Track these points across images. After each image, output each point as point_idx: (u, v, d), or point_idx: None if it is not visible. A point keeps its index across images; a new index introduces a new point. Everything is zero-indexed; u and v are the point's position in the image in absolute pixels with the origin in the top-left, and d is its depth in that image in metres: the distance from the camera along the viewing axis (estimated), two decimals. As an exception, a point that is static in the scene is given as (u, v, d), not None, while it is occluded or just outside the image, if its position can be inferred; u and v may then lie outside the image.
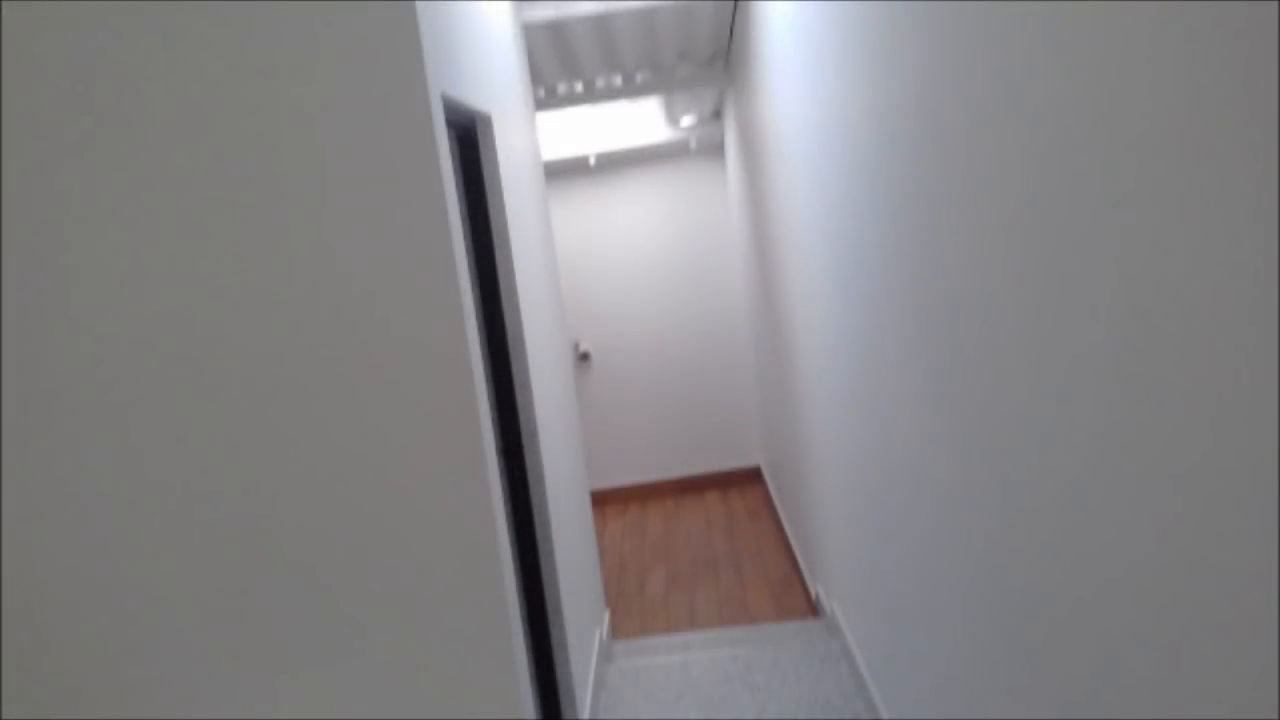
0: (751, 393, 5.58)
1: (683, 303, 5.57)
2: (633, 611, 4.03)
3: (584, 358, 5.61)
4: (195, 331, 1.44)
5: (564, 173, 5.49)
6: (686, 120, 5.13)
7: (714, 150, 5.51)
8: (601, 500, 5.70)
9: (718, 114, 5.19)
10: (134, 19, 1.37)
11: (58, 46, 1.38)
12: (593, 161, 5.27)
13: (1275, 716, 0.59)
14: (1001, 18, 0.99)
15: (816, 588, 3.55)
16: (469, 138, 2.07)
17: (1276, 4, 0.52)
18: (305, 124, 1.40)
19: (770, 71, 2.84)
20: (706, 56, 4.13)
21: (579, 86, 4.21)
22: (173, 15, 1.38)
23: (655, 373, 5.62)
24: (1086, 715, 1.01)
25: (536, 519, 2.29)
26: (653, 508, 5.51)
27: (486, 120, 2.08)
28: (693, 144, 5.28)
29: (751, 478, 5.65)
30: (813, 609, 3.66)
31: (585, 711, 2.52)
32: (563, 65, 3.88)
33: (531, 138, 3.00)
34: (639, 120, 5.16)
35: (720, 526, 5.05)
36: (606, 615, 3.37)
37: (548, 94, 4.23)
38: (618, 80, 4.18)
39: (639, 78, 4.18)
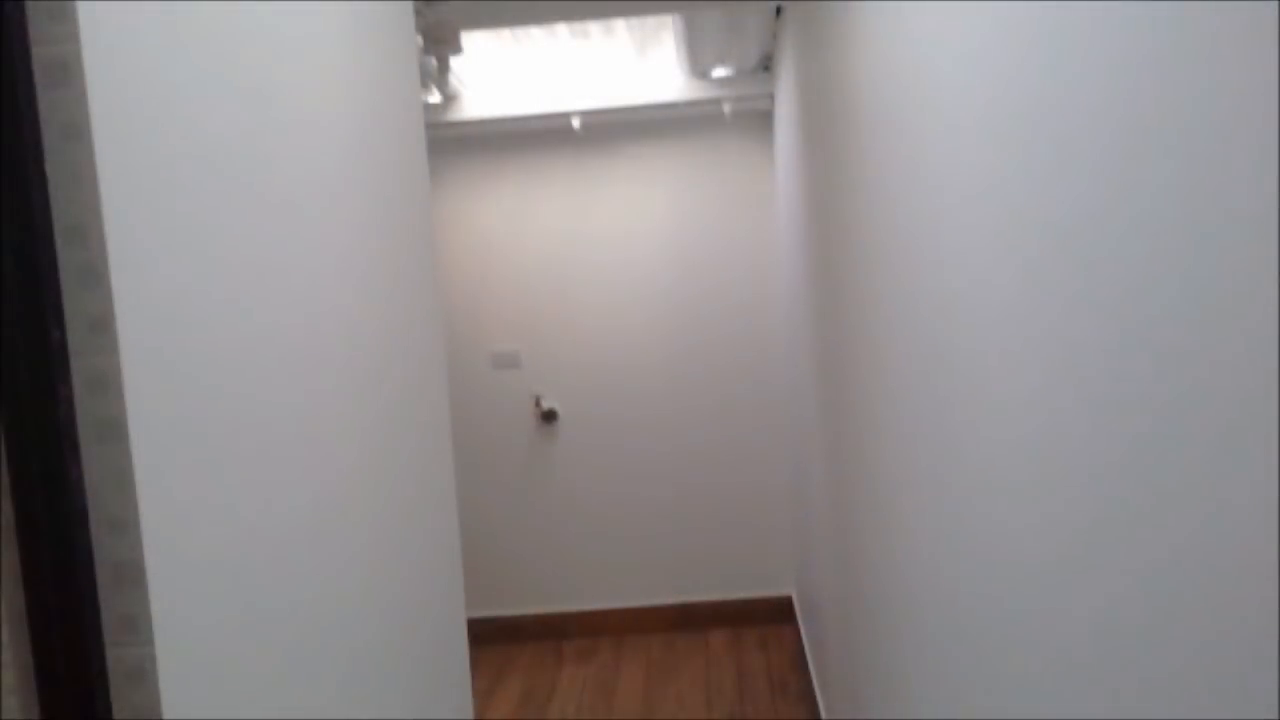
0: (785, 488, 4.23)
1: (695, 346, 4.30)
2: None
3: (549, 417, 4.24)
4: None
5: (532, 139, 4.18)
6: (720, 71, 3.82)
7: (759, 120, 4.16)
8: (559, 632, 4.34)
9: (767, 64, 3.86)
10: None
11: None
12: (577, 124, 3.92)
13: (1275, 717, 0.60)
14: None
15: None
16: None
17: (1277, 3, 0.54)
18: None
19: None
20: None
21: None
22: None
23: (648, 446, 4.34)
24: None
25: None
26: (630, 653, 4.17)
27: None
28: (727, 109, 3.96)
29: (777, 613, 4.31)
30: None
31: None
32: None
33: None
34: (647, 67, 3.86)
35: (728, 695, 3.67)
36: None
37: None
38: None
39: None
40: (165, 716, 0.85)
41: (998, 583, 1.15)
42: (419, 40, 2.61)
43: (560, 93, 3.87)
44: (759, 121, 4.15)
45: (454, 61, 3.16)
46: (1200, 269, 0.64)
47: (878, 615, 2.16)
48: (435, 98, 3.72)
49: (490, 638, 4.11)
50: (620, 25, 3.38)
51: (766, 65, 3.85)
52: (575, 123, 3.94)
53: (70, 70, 0.81)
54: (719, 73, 3.82)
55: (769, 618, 4.29)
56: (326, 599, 1.28)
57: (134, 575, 0.85)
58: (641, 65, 3.83)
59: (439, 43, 2.73)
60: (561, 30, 3.35)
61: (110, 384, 0.83)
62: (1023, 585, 1.05)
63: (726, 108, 3.95)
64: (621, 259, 4.23)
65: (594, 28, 3.38)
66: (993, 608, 1.18)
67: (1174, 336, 0.70)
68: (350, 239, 1.46)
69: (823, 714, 3.38)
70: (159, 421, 0.89)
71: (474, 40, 3.31)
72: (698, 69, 3.77)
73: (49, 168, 0.81)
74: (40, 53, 0.80)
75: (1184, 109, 0.64)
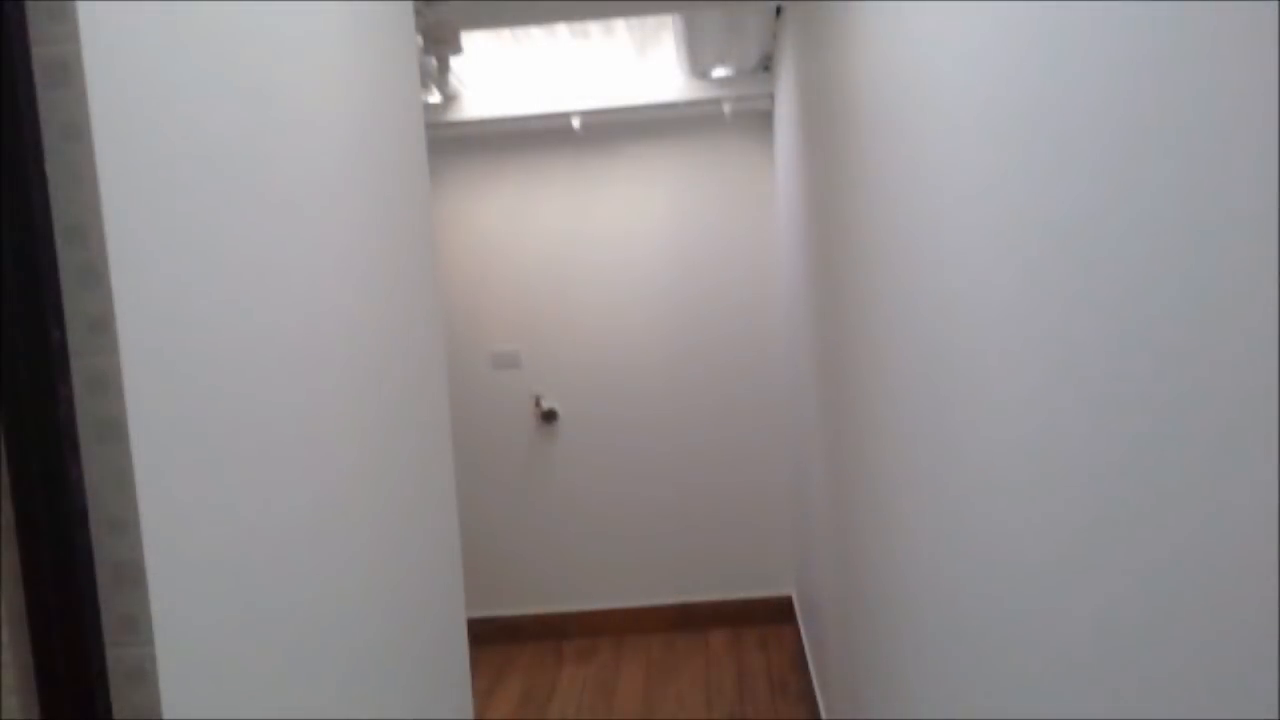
0: (785, 488, 4.18)
1: (695, 346, 4.25)
2: None
3: (549, 417, 4.20)
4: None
5: (532, 139, 4.12)
6: (720, 71, 3.78)
7: (759, 120, 4.12)
8: (559, 632, 4.29)
9: (767, 64, 3.82)
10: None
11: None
12: (577, 124, 3.87)
13: (1275, 717, 0.60)
14: None
15: None
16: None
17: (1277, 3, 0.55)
18: None
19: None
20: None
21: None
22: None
23: (648, 446, 4.31)
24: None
25: None
26: (630, 653, 4.12)
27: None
28: (727, 109, 3.88)
29: (777, 613, 4.25)
30: None
31: None
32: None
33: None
34: (647, 67, 3.82)
35: (728, 695, 3.63)
36: None
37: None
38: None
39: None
40: (165, 716, 0.84)
41: (998, 583, 1.13)
42: (419, 40, 2.59)
43: (560, 93, 3.82)
44: (759, 121, 4.12)
45: (454, 61, 3.13)
46: (1200, 269, 0.63)
47: (878, 615, 2.13)
48: (435, 98, 3.70)
49: (490, 638, 4.09)
50: (620, 25, 3.35)
51: (766, 65, 3.80)
52: (575, 123, 3.90)
53: (70, 70, 0.80)
54: (719, 73, 3.78)
55: (769, 618, 4.25)
56: (326, 599, 1.27)
57: (134, 575, 0.84)
58: (641, 65, 3.79)
59: (439, 43, 2.72)
60: (561, 30, 3.32)
61: (110, 384, 0.82)
62: (1023, 585, 1.03)
63: (726, 108, 3.90)
64: (621, 259, 4.19)
65: (594, 28, 3.34)
66: (993, 608, 1.16)
67: (1174, 336, 0.68)
68: (350, 239, 1.45)
69: (823, 714, 3.34)
70: (159, 421, 0.88)
71: (474, 40, 3.28)
72: (698, 69, 3.73)
73: (49, 168, 0.80)
74: (40, 53, 0.79)
75: (1184, 109, 0.63)
